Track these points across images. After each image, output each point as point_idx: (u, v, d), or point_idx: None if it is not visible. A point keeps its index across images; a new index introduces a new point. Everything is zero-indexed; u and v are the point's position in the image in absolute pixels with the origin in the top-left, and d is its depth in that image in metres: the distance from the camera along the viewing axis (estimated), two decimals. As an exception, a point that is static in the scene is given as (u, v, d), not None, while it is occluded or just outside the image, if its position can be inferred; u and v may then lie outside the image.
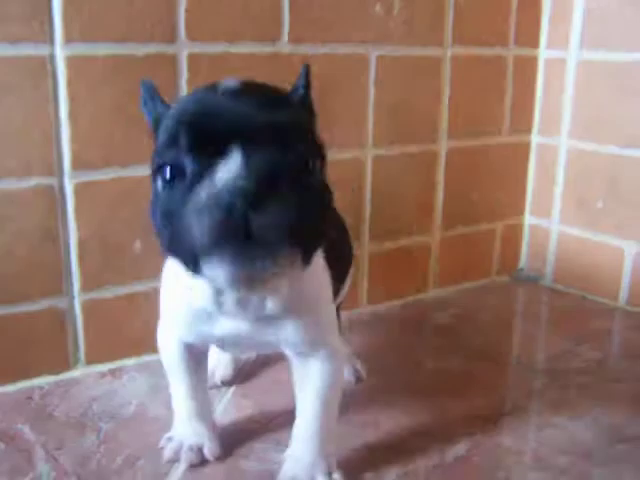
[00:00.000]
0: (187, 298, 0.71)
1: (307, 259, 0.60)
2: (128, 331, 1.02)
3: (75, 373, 0.99)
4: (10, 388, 0.95)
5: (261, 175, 0.56)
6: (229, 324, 0.71)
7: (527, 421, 0.91)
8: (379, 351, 1.08)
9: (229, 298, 0.68)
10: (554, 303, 1.36)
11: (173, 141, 0.59)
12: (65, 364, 0.98)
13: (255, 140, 0.57)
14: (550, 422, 0.90)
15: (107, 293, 0.99)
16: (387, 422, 0.89)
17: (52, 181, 0.92)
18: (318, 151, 0.62)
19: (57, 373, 0.98)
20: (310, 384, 0.76)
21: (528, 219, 1.45)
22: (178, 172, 0.59)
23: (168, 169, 0.59)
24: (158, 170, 0.61)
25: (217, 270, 0.57)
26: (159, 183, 0.61)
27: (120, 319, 1.01)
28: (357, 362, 1.01)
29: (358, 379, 0.99)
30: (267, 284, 0.60)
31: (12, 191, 0.90)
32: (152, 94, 0.70)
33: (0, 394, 0.93)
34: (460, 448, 0.84)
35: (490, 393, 0.98)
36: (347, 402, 0.86)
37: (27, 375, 0.96)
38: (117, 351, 1.02)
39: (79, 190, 0.94)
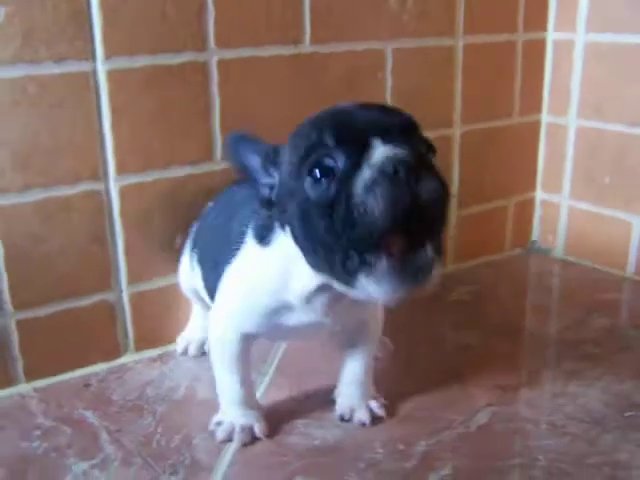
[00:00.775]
0: (276, 294, 0.79)
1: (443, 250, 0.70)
2: (172, 319, 1.11)
3: (126, 360, 1.08)
4: (69, 376, 1.04)
5: (413, 153, 0.64)
6: (304, 316, 0.80)
7: (542, 391, 0.99)
8: (401, 327, 1.15)
9: (321, 297, 0.77)
10: (566, 274, 1.43)
11: (317, 143, 0.67)
12: (116, 352, 1.07)
13: (391, 135, 0.65)
14: (563, 391, 0.98)
15: (152, 286, 1.08)
16: (413, 395, 0.98)
17: (99, 186, 1.00)
18: (433, 147, 0.71)
19: (110, 360, 1.07)
20: (357, 339, 0.91)
21: (539, 195, 1.51)
22: (326, 171, 0.66)
23: (318, 168, 0.66)
24: (304, 170, 0.67)
25: (380, 278, 0.65)
26: (307, 184, 0.67)
27: (164, 309, 1.10)
28: (385, 339, 1.09)
29: (387, 353, 1.08)
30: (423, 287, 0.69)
31: (63, 197, 0.97)
32: (254, 141, 0.76)
33: (60, 382, 1.02)
34: (481, 418, 0.93)
35: (507, 365, 1.06)
36: (374, 375, 0.96)
37: (83, 364, 1.05)
38: (163, 338, 1.11)
39: (123, 193, 1.02)
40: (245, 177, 0.77)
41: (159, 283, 1.08)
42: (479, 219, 1.44)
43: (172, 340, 1.11)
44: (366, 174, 0.64)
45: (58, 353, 1.03)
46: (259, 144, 0.76)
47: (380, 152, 0.64)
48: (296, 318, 0.82)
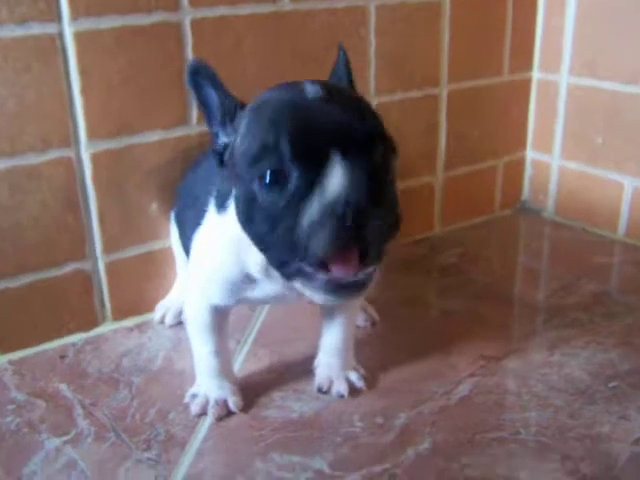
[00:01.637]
0: (236, 266, 0.78)
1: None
2: (149, 288, 1.09)
3: (104, 329, 1.06)
4: (46, 346, 1.02)
5: (366, 188, 0.62)
6: (270, 287, 0.79)
7: (526, 360, 0.97)
8: (386, 292, 1.14)
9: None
10: (556, 236, 1.41)
11: (273, 147, 0.64)
12: (94, 321, 1.05)
13: (352, 149, 0.63)
14: (547, 361, 0.97)
15: (128, 254, 1.05)
16: (395, 365, 0.96)
17: (69, 153, 0.96)
18: (395, 149, 0.68)
19: (87, 330, 1.05)
20: (337, 307, 0.89)
21: (530, 154, 1.48)
22: (279, 177, 0.63)
23: (269, 173, 0.64)
24: (255, 171, 0.65)
25: (317, 287, 0.66)
26: (256, 185, 0.65)
27: (141, 277, 1.08)
28: (369, 307, 1.07)
29: (372, 323, 1.06)
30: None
31: (33, 165, 0.94)
32: (213, 79, 0.72)
33: (37, 353, 1.00)
34: (463, 389, 0.91)
35: (492, 333, 1.05)
36: (356, 344, 0.94)
37: (59, 334, 1.03)
38: (141, 307, 1.09)
39: (95, 159, 0.98)
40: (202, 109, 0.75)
41: (135, 251, 1.06)
42: (467, 180, 1.40)
43: (151, 309, 1.09)
44: (315, 208, 0.62)
45: (33, 324, 1.01)
46: (221, 86, 0.72)
47: (334, 182, 0.62)
48: (261, 291, 0.80)
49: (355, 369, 0.92)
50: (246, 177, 0.66)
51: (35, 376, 0.95)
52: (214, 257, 0.80)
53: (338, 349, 0.91)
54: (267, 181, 0.64)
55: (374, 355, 0.98)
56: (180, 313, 1.06)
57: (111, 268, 1.04)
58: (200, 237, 0.83)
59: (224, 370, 0.88)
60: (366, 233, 0.62)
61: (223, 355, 0.87)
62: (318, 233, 0.62)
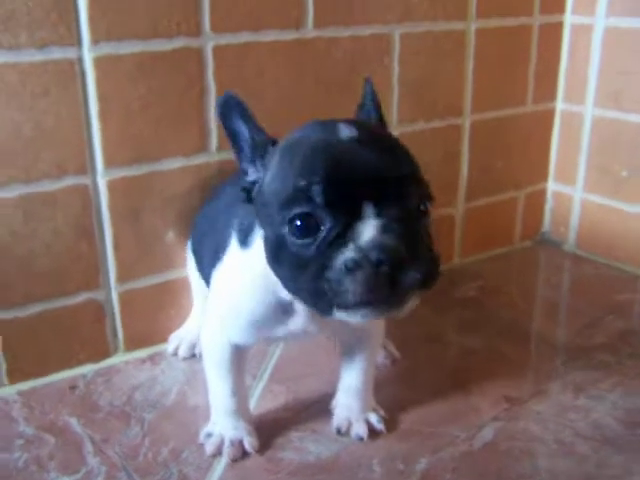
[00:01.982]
0: (265, 300, 0.75)
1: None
2: (163, 318, 1.06)
3: (115, 360, 1.03)
4: (55, 377, 0.99)
5: (400, 235, 0.60)
6: (291, 325, 0.76)
7: (551, 404, 0.94)
8: (404, 327, 1.10)
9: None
10: (577, 270, 1.37)
11: (305, 192, 0.61)
12: (105, 352, 1.03)
13: (386, 196, 0.61)
14: (574, 405, 0.93)
15: (142, 283, 1.03)
16: (415, 406, 0.93)
17: (86, 180, 0.94)
18: (430, 193, 0.66)
19: (98, 361, 1.02)
20: (357, 346, 0.86)
21: (551, 185, 1.45)
22: (310, 223, 0.61)
23: (299, 219, 0.62)
24: (285, 214, 0.62)
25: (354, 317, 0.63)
26: (286, 229, 0.63)
27: (155, 307, 1.05)
28: (390, 344, 1.04)
29: (393, 361, 1.03)
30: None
31: (48, 192, 0.92)
32: (244, 112, 0.70)
33: (47, 384, 0.98)
34: (487, 433, 0.88)
35: (515, 373, 1.01)
36: (375, 383, 0.91)
37: (70, 365, 1.00)
38: (154, 337, 1.06)
39: (112, 187, 0.96)
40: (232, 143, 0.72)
41: (150, 280, 1.03)
42: (488, 211, 1.38)
43: (164, 340, 1.07)
44: (349, 254, 0.60)
45: (43, 354, 0.98)
46: (252, 120, 0.70)
47: (369, 231, 0.60)
48: (283, 328, 0.77)
49: (375, 410, 0.89)
50: (276, 218, 0.64)
51: (44, 409, 0.92)
52: (238, 295, 0.77)
53: (358, 390, 0.88)
54: (297, 226, 0.62)
55: (394, 395, 0.95)
56: (195, 345, 1.04)
57: (125, 297, 1.02)
58: (222, 274, 0.80)
59: (240, 408, 0.85)
60: (401, 282, 0.60)
61: (240, 393, 0.84)
62: (352, 280, 0.59)
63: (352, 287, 0.59)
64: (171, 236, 1.02)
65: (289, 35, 1.04)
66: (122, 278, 1.01)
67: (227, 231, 0.80)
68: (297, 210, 0.62)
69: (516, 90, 1.33)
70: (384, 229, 0.60)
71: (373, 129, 0.70)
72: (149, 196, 0.99)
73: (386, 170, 0.62)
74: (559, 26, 1.34)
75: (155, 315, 1.05)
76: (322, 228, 0.61)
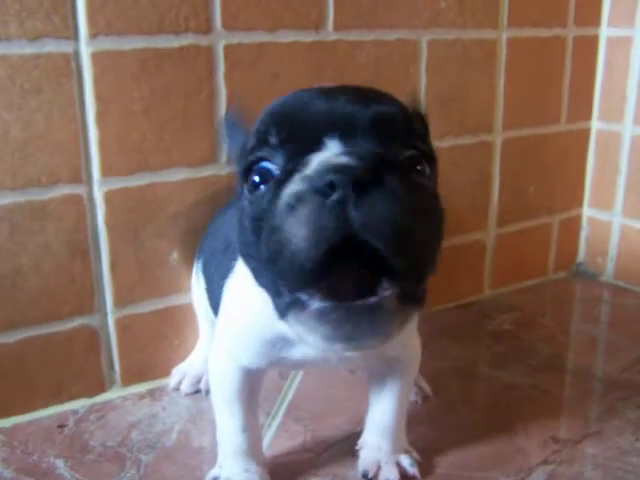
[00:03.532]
0: (269, 320, 0.62)
1: (420, 293, 0.52)
2: (165, 349, 0.95)
3: (111, 395, 0.92)
4: (42, 414, 0.87)
5: (364, 159, 0.48)
6: (310, 349, 0.63)
7: (607, 446, 0.82)
8: (435, 362, 1.00)
9: None
10: (618, 302, 1.26)
11: (260, 141, 0.52)
12: (100, 386, 0.91)
13: (356, 133, 0.50)
14: (634, 448, 0.81)
15: (142, 309, 0.92)
16: (452, 448, 0.81)
17: (80, 190, 0.84)
18: (430, 153, 0.54)
19: (92, 396, 0.91)
20: (388, 375, 0.74)
21: (587, 211, 1.34)
22: (264, 176, 0.52)
23: (255, 172, 0.52)
24: (244, 177, 0.53)
25: (311, 322, 0.49)
26: (245, 192, 0.53)
27: (157, 336, 0.94)
28: (422, 379, 0.92)
29: (424, 398, 0.91)
30: (373, 344, 0.51)
31: (37, 202, 0.82)
32: (238, 122, 0.63)
33: (31, 422, 0.86)
34: (538, 479, 0.76)
35: (563, 411, 0.90)
36: (407, 421, 0.79)
37: (59, 399, 0.89)
38: (155, 370, 0.94)
39: (110, 198, 0.86)
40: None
41: (151, 306, 0.92)
42: (520, 238, 1.27)
43: (166, 374, 0.95)
44: (292, 187, 0.49)
45: (29, 387, 0.87)
46: (244, 133, 0.61)
47: (322, 156, 0.49)
48: (301, 351, 0.65)
49: (407, 452, 0.77)
50: (240, 187, 0.55)
51: (27, 449, 0.81)
52: (247, 308, 0.66)
53: (388, 427, 0.76)
54: (255, 181, 0.52)
55: (427, 435, 0.83)
56: (200, 379, 0.93)
57: (122, 324, 0.91)
58: (232, 285, 0.69)
59: (252, 449, 0.73)
60: (370, 220, 0.46)
61: (252, 430, 0.72)
62: (295, 214, 0.47)
63: (298, 230, 0.47)
64: (175, 257, 0.92)
65: (308, 37, 0.95)
66: (120, 302, 0.90)
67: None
68: (250, 159, 0.53)
69: (549, 106, 1.23)
70: (346, 154, 0.49)
71: (363, 86, 0.58)
72: (151, 211, 0.89)
73: (360, 108, 0.51)
74: (594, 39, 1.25)
75: (156, 345, 0.94)
76: (276, 173, 0.51)
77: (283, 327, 0.61)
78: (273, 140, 0.52)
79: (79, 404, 0.90)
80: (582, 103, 1.27)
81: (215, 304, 0.76)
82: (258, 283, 0.55)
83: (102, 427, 0.85)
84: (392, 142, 0.51)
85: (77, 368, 0.89)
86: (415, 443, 0.79)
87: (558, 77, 1.23)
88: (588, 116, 1.29)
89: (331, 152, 0.49)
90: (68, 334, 0.87)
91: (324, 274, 0.48)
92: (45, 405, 0.88)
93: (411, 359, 0.76)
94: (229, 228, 0.76)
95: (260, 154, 0.52)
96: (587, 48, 1.25)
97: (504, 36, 1.13)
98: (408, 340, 0.73)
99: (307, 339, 0.51)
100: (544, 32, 1.18)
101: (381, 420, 0.76)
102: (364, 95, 0.54)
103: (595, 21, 1.24)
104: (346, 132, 0.50)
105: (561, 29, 1.20)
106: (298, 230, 0.47)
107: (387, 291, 0.49)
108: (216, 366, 0.72)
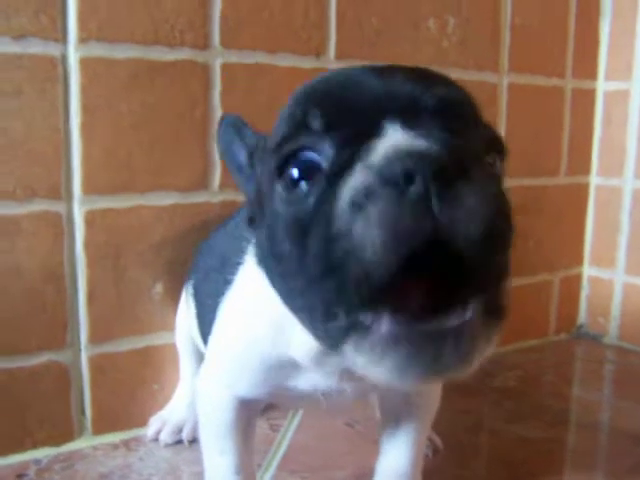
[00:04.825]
0: (274, 342, 0.54)
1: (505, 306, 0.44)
2: (144, 394, 0.85)
3: (80, 444, 0.81)
4: (0, 462, 0.76)
5: (446, 145, 0.39)
6: (317, 379, 0.55)
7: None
8: (444, 416, 0.91)
9: (336, 356, 0.45)
10: (623, 362, 1.19)
11: (298, 126, 0.43)
12: (68, 433, 0.81)
13: (420, 117, 0.41)
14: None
15: (120, 347, 0.82)
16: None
17: (59, 207, 0.77)
18: (501, 143, 0.47)
19: (58, 444, 0.80)
20: (404, 414, 0.65)
21: (587, 270, 1.29)
22: (307, 170, 0.42)
23: (294, 168, 0.43)
24: (277, 173, 0.44)
25: (378, 349, 0.40)
26: (279, 192, 0.44)
27: (134, 379, 0.84)
28: (431, 432, 0.83)
29: (435, 451, 0.81)
30: (457, 373, 0.41)
31: (9, 218, 0.74)
32: (239, 126, 0.55)
33: (-14, 471, 0.75)
34: (567, 540, 0.67)
35: (585, 465, 0.81)
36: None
37: (21, 447, 0.78)
38: (131, 418, 0.84)
39: (90, 219, 0.78)
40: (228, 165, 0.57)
41: (130, 344, 0.83)
42: (518, 296, 1.19)
43: (143, 423, 0.85)
44: (357, 180, 0.40)
45: (-14, 431, 0.76)
46: (251, 134, 0.55)
47: (388, 143, 0.40)
48: (306, 381, 0.57)
49: None
50: (269, 189, 0.45)
51: (-23, 502, 0.70)
52: (247, 328, 0.57)
53: (403, 475, 0.66)
54: (294, 176, 0.43)
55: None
56: (181, 429, 0.82)
57: (97, 363, 0.81)
58: (229, 303, 0.60)
59: (245, 497, 0.62)
60: (452, 217, 0.38)
61: (246, 472, 0.62)
62: (366, 214, 0.38)
63: (369, 234, 0.38)
64: (159, 289, 0.84)
65: (308, 63, 0.90)
66: (95, 338, 0.81)
67: (238, 256, 0.61)
68: (286, 150, 0.43)
69: (549, 157, 1.20)
70: (415, 137, 0.40)
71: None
72: (135, 236, 0.81)
73: (424, 89, 0.43)
74: (592, 93, 1.23)
75: (133, 389, 0.84)
76: (324, 166, 0.42)
77: (291, 350, 0.53)
78: (316, 125, 0.43)
79: (43, 453, 0.79)
80: (581, 157, 1.24)
81: (206, 332, 0.67)
82: (294, 307, 0.46)
83: (68, 479, 0.74)
84: (464, 129, 0.43)
85: (43, 411, 0.79)
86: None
87: (557, 128, 1.20)
88: (587, 170, 1.25)
89: (392, 139, 0.40)
90: (34, 370, 0.78)
91: (395, 288, 0.39)
92: (4, 452, 0.77)
93: (432, 399, 0.67)
94: (227, 244, 0.68)
95: (300, 142, 0.43)
96: (585, 101, 1.22)
97: (505, 81, 1.10)
98: None
99: (371, 371, 0.41)
100: (544, 81, 1.15)
101: (396, 467, 0.66)
102: (424, 74, 0.46)
103: (592, 74, 1.22)
104: (409, 116, 0.42)
105: (559, 79, 1.17)
106: (372, 233, 0.38)
107: (471, 306, 0.41)
108: (206, 395, 0.63)
